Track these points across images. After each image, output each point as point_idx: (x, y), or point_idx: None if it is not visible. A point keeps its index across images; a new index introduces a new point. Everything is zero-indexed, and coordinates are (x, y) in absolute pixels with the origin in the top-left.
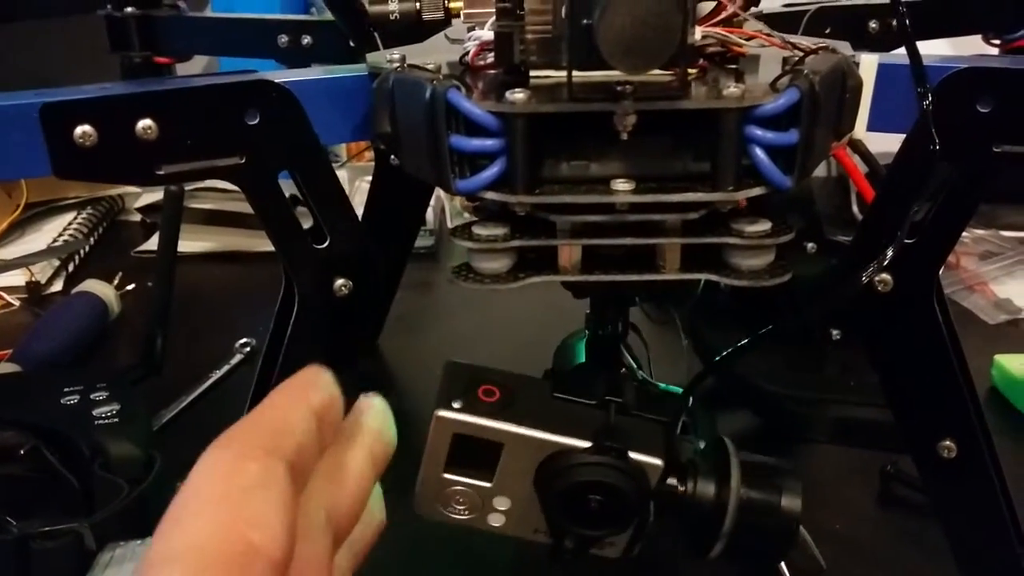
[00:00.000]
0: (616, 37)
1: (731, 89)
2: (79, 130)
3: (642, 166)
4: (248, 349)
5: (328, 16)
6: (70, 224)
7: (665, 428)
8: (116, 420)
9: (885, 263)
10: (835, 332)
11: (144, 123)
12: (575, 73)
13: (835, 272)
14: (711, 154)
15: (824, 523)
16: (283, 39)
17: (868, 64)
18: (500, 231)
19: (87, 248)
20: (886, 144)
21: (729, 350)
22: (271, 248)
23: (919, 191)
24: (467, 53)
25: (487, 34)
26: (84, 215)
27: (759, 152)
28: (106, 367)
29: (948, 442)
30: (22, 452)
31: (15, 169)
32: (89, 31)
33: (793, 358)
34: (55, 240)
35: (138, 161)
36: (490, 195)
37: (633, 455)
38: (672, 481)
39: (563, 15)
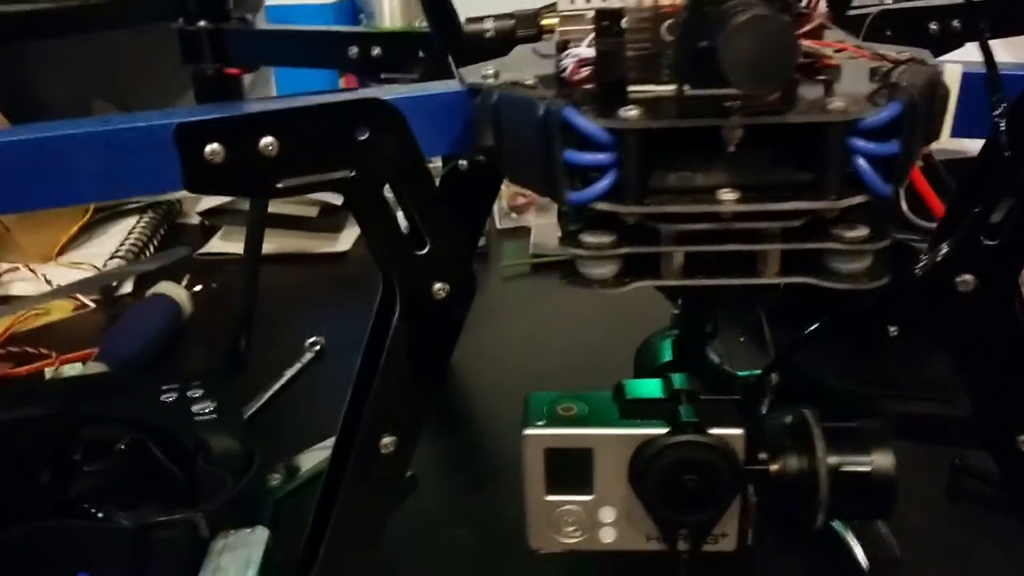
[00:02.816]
0: (742, 60)
1: (836, 104)
2: (209, 148)
3: (746, 176)
4: (318, 348)
5: (392, 27)
6: (134, 228)
7: (738, 404)
8: (214, 416)
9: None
10: (892, 328)
11: (266, 140)
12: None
13: (904, 270)
14: (814, 164)
15: (897, 515)
16: (353, 50)
17: (952, 73)
18: (607, 239)
19: (152, 249)
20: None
21: (805, 332)
22: (328, 250)
23: (998, 193)
24: (564, 69)
25: (586, 51)
26: (146, 219)
27: (862, 162)
28: (186, 365)
29: None
30: (123, 447)
31: (150, 185)
32: (159, 43)
33: (853, 354)
34: (122, 243)
35: (260, 176)
36: (601, 206)
37: (712, 430)
38: (763, 458)
39: (668, 35)
